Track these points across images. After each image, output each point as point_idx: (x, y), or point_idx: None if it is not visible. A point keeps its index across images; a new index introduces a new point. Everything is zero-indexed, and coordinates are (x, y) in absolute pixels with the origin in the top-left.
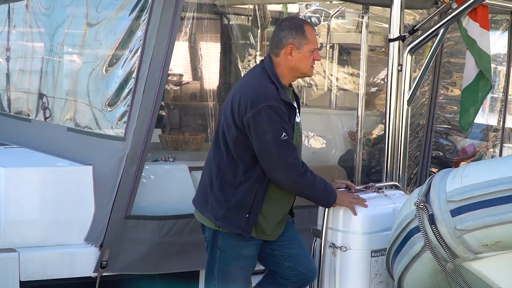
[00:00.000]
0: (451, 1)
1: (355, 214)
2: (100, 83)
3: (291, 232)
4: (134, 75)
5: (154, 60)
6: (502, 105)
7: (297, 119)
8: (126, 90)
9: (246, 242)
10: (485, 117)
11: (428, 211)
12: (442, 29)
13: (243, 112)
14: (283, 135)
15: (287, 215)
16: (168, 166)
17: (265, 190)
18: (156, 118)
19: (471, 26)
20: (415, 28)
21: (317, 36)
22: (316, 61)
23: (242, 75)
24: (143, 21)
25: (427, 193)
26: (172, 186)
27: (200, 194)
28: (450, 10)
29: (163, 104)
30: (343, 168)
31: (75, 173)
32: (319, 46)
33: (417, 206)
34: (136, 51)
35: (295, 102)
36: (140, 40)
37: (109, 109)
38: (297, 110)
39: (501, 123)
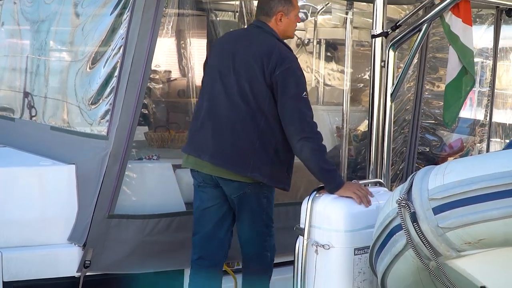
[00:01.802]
0: None
1: (359, 203)
2: (83, 81)
3: None
4: (116, 73)
5: (136, 58)
6: (489, 99)
7: None
8: (109, 89)
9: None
10: (472, 111)
11: (410, 209)
12: (425, 25)
13: (272, 69)
14: (304, 93)
15: None
16: (152, 164)
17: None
18: (138, 116)
19: (454, 22)
20: (397, 24)
21: (304, 31)
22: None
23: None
24: (125, 19)
25: (409, 191)
26: (156, 184)
27: (233, 155)
28: (433, 5)
29: (150, 101)
30: None
31: (58, 172)
32: (306, 41)
33: (399, 204)
34: (119, 49)
35: None
36: (122, 38)
37: (91, 107)
38: None
39: (488, 117)
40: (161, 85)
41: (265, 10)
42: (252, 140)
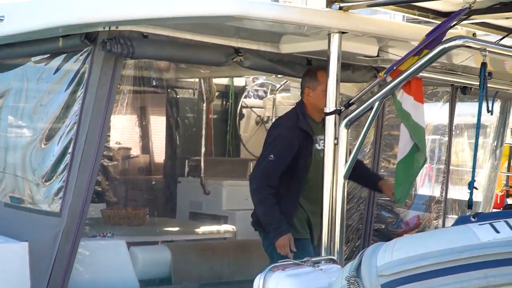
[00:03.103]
0: (385, 75)
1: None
2: (37, 158)
3: None
4: (70, 150)
5: (90, 135)
6: (444, 176)
7: (318, 147)
8: (62, 165)
9: None
10: (428, 188)
11: (359, 286)
12: (377, 103)
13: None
14: (271, 156)
15: None
16: (105, 241)
17: None
18: (91, 193)
19: (405, 99)
20: (350, 102)
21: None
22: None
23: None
24: (79, 95)
25: (358, 267)
26: (109, 261)
27: None
28: (386, 83)
29: (109, 178)
30: None
31: (11, 249)
32: (266, 119)
33: (348, 280)
34: (73, 126)
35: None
36: (76, 115)
37: (45, 184)
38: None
39: (443, 194)
40: (120, 162)
41: (300, 87)
42: None
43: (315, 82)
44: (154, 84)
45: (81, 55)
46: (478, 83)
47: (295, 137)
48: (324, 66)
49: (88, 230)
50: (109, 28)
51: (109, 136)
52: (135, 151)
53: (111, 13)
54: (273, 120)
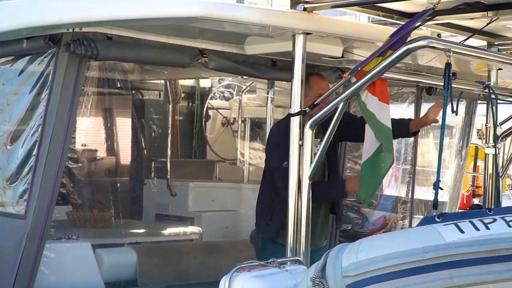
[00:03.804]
0: (350, 76)
1: None
2: (2, 160)
3: None
4: (34, 152)
5: (54, 137)
6: (410, 177)
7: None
8: (27, 168)
9: None
10: (394, 189)
11: (324, 287)
12: (342, 103)
13: None
14: (285, 164)
15: None
16: (70, 244)
17: None
18: (56, 195)
19: (370, 100)
20: (315, 103)
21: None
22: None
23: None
24: (44, 97)
25: (323, 268)
26: (75, 264)
27: None
28: (350, 84)
29: (74, 180)
30: (256, 242)
31: None
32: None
33: (313, 281)
34: (37, 128)
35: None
36: (41, 117)
37: (10, 186)
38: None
39: (410, 194)
40: (86, 164)
41: None
42: None
43: (307, 87)
44: (119, 85)
45: (45, 57)
46: (443, 84)
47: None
48: (317, 72)
49: (53, 233)
50: (73, 29)
51: (74, 138)
52: (101, 153)
53: (75, 14)
54: (239, 121)
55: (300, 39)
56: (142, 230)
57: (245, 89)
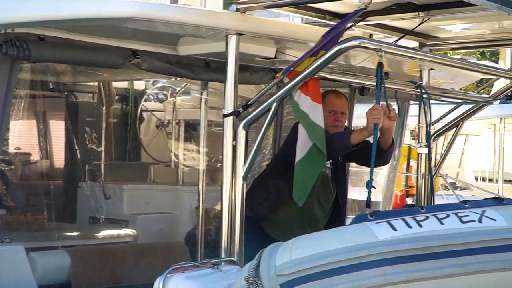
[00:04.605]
0: (282, 76)
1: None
2: None
3: None
4: None
5: None
6: None
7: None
8: None
9: None
10: None
11: (258, 286)
12: (275, 104)
13: None
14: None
15: None
16: (3, 247)
17: None
18: None
19: (303, 100)
20: (248, 103)
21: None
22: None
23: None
24: None
25: (257, 268)
26: (7, 268)
27: None
28: (284, 84)
29: (8, 184)
30: (191, 244)
31: None
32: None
33: (247, 281)
34: None
35: None
36: None
37: None
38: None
39: None
40: (19, 167)
41: None
42: None
43: (323, 103)
44: (52, 88)
45: None
46: (375, 84)
47: None
48: (335, 89)
49: None
50: (5, 30)
51: (7, 140)
52: (34, 156)
53: (7, 15)
54: (173, 123)
55: (233, 40)
56: (76, 233)
57: (179, 90)
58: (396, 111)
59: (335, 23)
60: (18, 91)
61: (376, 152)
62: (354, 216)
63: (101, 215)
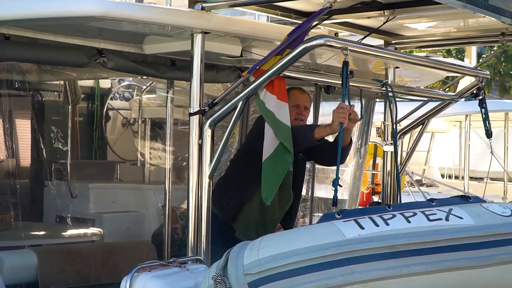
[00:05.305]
0: (248, 74)
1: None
2: None
3: None
4: None
5: None
6: (310, 175)
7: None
8: None
9: None
10: None
11: (226, 285)
12: (241, 102)
13: None
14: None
15: None
16: None
17: None
18: None
19: (269, 99)
20: (214, 102)
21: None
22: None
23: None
24: None
25: (225, 267)
26: None
27: None
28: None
29: None
30: (158, 243)
31: None
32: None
33: (214, 280)
34: None
35: None
36: None
37: None
38: None
39: (310, 192)
40: None
41: None
42: None
43: (288, 98)
44: (18, 86)
45: None
46: (341, 82)
47: None
48: (299, 86)
49: None
50: None
51: None
52: (0, 155)
53: None
54: (139, 122)
55: (198, 38)
56: (42, 232)
57: (145, 89)
58: (359, 111)
59: (300, 22)
60: None
61: (332, 151)
62: (320, 214)
63: (68, 214)
